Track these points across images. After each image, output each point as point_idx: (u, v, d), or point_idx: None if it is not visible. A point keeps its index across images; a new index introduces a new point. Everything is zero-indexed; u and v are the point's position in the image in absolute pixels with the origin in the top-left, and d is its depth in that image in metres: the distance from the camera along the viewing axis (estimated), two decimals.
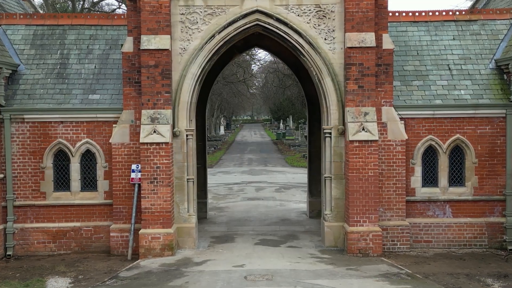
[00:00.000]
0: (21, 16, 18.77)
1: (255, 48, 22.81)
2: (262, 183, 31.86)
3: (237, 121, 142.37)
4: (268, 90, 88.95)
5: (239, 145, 66.90)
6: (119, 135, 16.72)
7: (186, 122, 16.74)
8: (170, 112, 16.28)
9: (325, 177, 16.97)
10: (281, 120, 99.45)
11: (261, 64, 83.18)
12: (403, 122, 16.87)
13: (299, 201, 24.94)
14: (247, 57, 68.95)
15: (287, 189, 29.14)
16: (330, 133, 16.77)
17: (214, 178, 34.44)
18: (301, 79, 21.35)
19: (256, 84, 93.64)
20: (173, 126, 16.63)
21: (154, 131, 16.11)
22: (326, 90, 16.71)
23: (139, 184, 16.43)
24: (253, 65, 77.99)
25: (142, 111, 16.33)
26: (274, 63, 68.51)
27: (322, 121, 17.34)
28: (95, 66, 18.00)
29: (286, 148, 59.61)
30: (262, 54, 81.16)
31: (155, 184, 16.06)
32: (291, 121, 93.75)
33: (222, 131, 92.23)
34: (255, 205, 23.81)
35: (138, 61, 16.50)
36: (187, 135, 16.79)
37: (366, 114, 16.22)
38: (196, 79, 16.78)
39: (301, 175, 35.26)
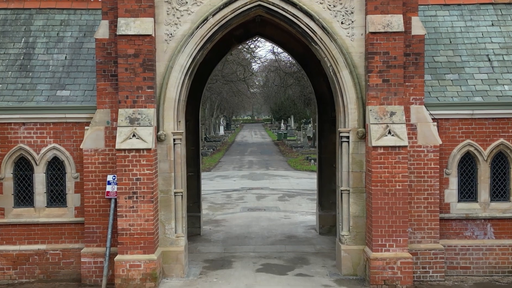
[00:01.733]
0: None
1: (256, 37, 19.69)
2: (263, 189, 28.78)
3: (237, 121, 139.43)
4: (269, 89, 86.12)
5: (239, 146, 63.81)
6: (92, 139, 13.65)
7: (173, 124, 13.68)
8: (153, 112, 13.22)
9: (341, 190, 13.89)
10: (282, 120, 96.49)
11: (262, 62, 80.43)
12: (435, 123, 13.80)
13: (306, 212, 21.85)
14: (248, 55, 66.53)
15: (291, 197, 26.05)
16: (347, 137, 13.71)
17: (211, 183, 31.36)
18: (310, 73, 18.26)
19: (257, 83, 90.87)
20: (157, 129, 13.58)
21: (134, 135, 13.04)
22: (343, 85, 13.65)
23: (116, 199, 13.36)
24: (253, 64, 75.37)
25: (119, 110, 13.26)
26: (276, 61, 65.72)
27: (337, 122, 14.26)
28: (65, 57, 14.93)
29: (288, 150, 56.53)
30: (262, 52, 78.16)
31: (135, 199, 12.99)
32: (293, 121, 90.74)
33: (221, 131, 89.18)
34: (256, 218, 20.73)
35: (115, 50, 13.43)
36: (174, 140, 13.73)
37: (392, 114, 13.15)
38: (186, 72, 13.72)
39: (305, 180, 32.18)
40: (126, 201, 12.97)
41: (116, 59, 13.38)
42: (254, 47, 75.58)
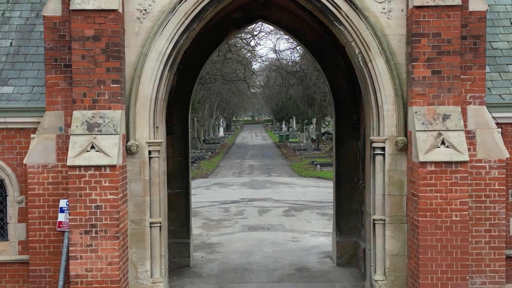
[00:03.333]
0: None
1: (259, 22, 16.09)
2: (266, 201, 25.13)
3: (238, 121, 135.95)
4: (270, 89, 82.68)
5: (239, 149, 60.19)
6: (40, 151, 10.06)
7: (148, 131, 10.09)
8: (120, 115, 9.63)
9: (373, 219, 10.27)
10: (283, 121, 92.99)
11: (263, 61, 77.04)
12: (499, 130, 10.21)
13: (317, 233, 18.22)
14: (248, 54, 63.16)
15: (298, 211, 22.41)
16: (382, 149, 10.10)
17: (207, 193, 27.71)
18: (324, 65, 14.62)
19: (258, 83, 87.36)
20: (127, 138, 9.98)
21: (93, 147, 9.44)
22: (376, 78, 10.06)
23: None
24: (254, 63, 72.05)
25: (74, 112, 9.68)
26: (277, 60, 62.17)
27: (369, 128, 10.62)
28: (11, 43, 11.33)
29: (291, 153, 52.88)
30: (263, 51, 74.73)
31: (94, 235, 9.38)
32: (295, 122, 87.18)
33: (221, 132, 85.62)
34: (259, 241, 17.09)
35: (70, 31, 9.83)
36: (150, 152, 10.13)
37: (445, 117, 9.56)
38: (166, 61, 10.13)
39: (313, 190, 28.54)
40: (81, 237, 9.37)
41: (71, 44, 9.78)
42: (255, 45, 72.22)
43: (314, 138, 60.50)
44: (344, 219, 14.49)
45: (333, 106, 14.78)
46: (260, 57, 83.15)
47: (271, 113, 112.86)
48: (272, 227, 19.28)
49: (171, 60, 10.19)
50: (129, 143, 9.93)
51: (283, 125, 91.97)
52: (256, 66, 72.15)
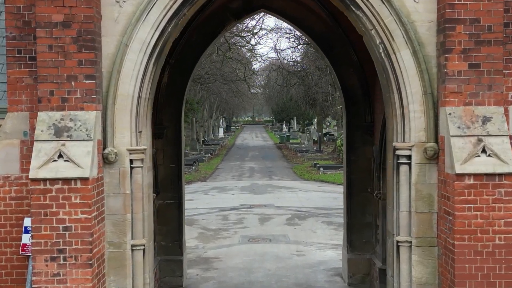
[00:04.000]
0: None
1: (262, 12, 14.46)
2: (267, 207, 23.48)
3: (238, 122, 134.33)
4: (270, 89, 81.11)
5: (239, 150, 58.53)
6: (0, 160, 8.41)
7: (130, 136, 8.43)
8: (95, 117, 7.97)
9: (397, 241, 8.59)
10: (284, 122, 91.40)
11: (263, 61, 75.54)
12: None
13: (324, 246, 16.57)
14: (248, 53, 61.55)
15: (302, 220, 20.74)
16: (408, 157, 8.43)
17: (205, 198, 26.06)
18: (334, 60, 12.96)
19: (258, 83, 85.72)
20: (104, 144, 8.33)
21: (61, 155, 7.77)
22: (400, 72, 8.41)
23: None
24: (254, 63, 70.55)
25: (39, 114, 8.02)
26: (278, 59, 60.53)
27: (392, 133, 8.91)
28: None
29: (293, 154, 51.23)
30: (264, 50, 73.22)
31: (61, 262, 7.71)
32: (295, 123, 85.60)
33: (221, 133, 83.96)
34: (260, 255, 15.44)
35: (35, 17, 8.17)
36: (132, 161, 8.48)
37: (486, 119, 7.90)
38: (150, 53, 8.48)
39: (316, 195, 26.88)
40: (46, 265, 7.70)
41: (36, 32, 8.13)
42: (256, 43, 70.61)
43: (316, 139, 58.89)
44: (356, 234, 12.84)
45: (343, 106, 13.12)
46: (261, 56, 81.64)
47: (271, 114, 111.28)
48: (275, 238, 17.62)
49: (157, 52, 8.54)
50: (106, 151, 8.27)
51: (284, 126, 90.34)
52: (256, 66, 70.64)
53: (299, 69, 59.37)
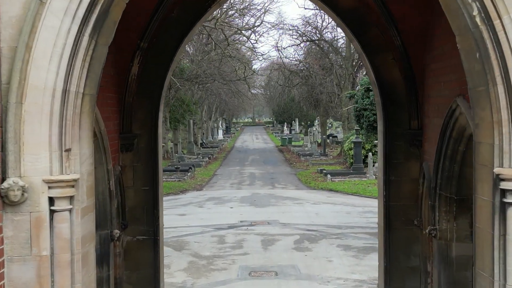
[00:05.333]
0: None
1: None
2: (271, 225, 19.92)
3: (237, 123, 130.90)
4: (271, 89, 77.84)
5: (239, 153, 55.00)
6: None
7: (49, 158, 4.88)
8: None
9: None
10: (285, 123, 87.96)
11: (264, 59, 72.51)
12: None
13: (344, 282, 13.02)
14: (249, 52, 58.42)
15: (314, 242, 17.17)
16: None
17: (200, 213, 22.48)
18: (367, 44, 9.36)
19: (258, 84, 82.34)
20: (2, 173, 4.76)
21: None
22: (508, 50, 4.84)
23: None
24: (254, 62, 67.49)
25: None
26: (279, 58, 57.10)
27: (490, 151, 5.29)
28: None
29: (295, 158, 47.68)
30: (265, 48, 70.26)
31: None
32: (297, 125, 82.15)
33: (220, 135, 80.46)
34: None
35: None
36: (53, 200, 4.92)
37: None
38: (84, 17, 4.93)
39: (327, 208, 23.32)
40: None
41: None
42: (256, 41, 67.42)
43: (320, 142, 55.44)
44: (397, 281, 9.28)
45: (379, 107, 9.55)
46: (262, 55, 78.38)
47: (272, 115, 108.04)
48: (282, 270, 14.07)
49: (96, 14, 5.00)
50: (5, 185, 4.74)
51: (285, 128, 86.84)
52: (257, 66, 67.35)
53: (302, 68, 55.91)
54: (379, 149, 9.76)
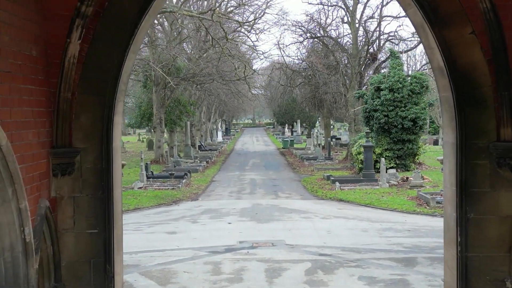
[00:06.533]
0: None
1: None
2: (276, 247, 16.65)
3: (237, 125, 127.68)
4: (272, 89, 74.60)
5: (239, 157, 51.77)
6: None
7: None
8: None
9: None
10: (287, 125, 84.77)
11: (265, 58, 69.62)
12: None
13: None
14: (249, 51, 55.57)
15: (329, 273, 13.90)
16: None
17: (193, 230, 19.20)
18: (433, 11, 6.14)
19: (259, 84, 79.14)
20: None
21: None
22: None
23: None
24: (255, 61, 64.57)
25: None
26: (281, 57, 53.95)
27: None
28: None
29: (298, 162, 44.46)
30: (266, 46, 67.64)
31: None
32: (299, 126, 78.89)
33: (219, 137, 77.20)
34: None
35: None
36: None
37: None
38: None
39: (339, 223, 20.06)
40: None
41: None
42: (256, 39, 64.33)
43: (323, 144, 52.24)
44: None
45: (448, 107, 6.27)
46: (263, 53, 75.25)
47: (272, 116, 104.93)
48: None
49: None
50: None
51: (286, 129, 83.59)
52: (257, 65, 64.39)
53: (304, 67, 52.69)
54: (448, 169, 6.48)
